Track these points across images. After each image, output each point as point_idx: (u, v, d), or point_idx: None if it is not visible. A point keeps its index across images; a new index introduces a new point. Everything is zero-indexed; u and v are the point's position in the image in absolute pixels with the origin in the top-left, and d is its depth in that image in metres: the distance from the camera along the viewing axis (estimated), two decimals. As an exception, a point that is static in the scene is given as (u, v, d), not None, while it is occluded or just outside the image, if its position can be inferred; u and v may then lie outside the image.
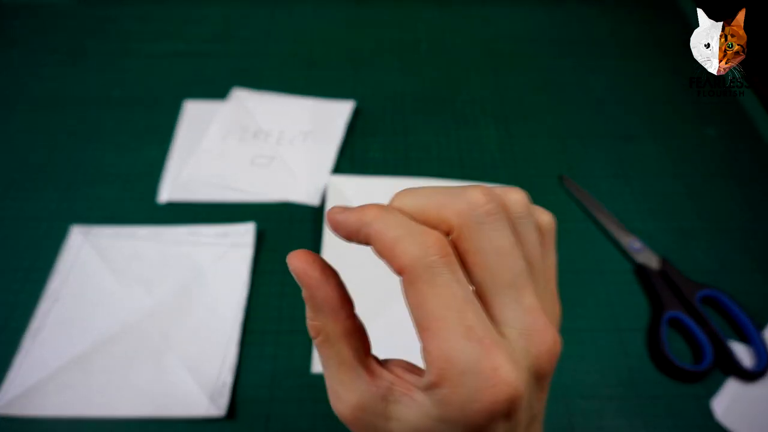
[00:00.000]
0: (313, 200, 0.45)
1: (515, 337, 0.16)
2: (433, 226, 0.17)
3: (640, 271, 0.42)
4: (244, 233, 0.43)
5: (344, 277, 0.44)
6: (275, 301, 0.40)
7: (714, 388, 0.36)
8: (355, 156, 0.49)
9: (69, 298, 0.39)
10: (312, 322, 0.18)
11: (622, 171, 0.49)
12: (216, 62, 0.57)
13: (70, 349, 0.37)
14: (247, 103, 0.52)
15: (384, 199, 0.20)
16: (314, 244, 0.43)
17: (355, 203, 0.44)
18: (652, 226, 0.45)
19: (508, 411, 0.15)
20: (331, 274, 0.19)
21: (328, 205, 0.44)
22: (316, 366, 0.37)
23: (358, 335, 0.19)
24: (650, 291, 0.41)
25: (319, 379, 0.36)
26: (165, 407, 0.35)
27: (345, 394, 0.18)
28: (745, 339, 0.38)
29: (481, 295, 0.17)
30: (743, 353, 0.37)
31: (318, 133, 0.50)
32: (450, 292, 0.15)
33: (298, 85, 0.55)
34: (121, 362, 0.36)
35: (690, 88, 0.55)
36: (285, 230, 0.44)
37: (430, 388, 0.16)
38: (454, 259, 0.16)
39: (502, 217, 0.17)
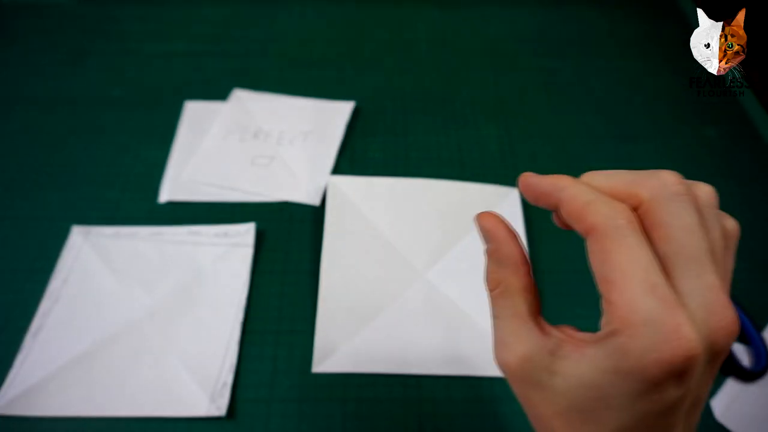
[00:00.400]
0: (313, 200, 0.46)
1: (695, 308, 0.16)
2: (622, 200, 0.18)
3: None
4: (245, 233, 0.43)
5: (344, 277, 0.44)
6: (275, 301, 0.40)
7: (713, 388, 0.36)
8: (355, 156, 0.49)
9: (69, 298, 0.39)
10: (493, 275, 0.20)
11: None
12: (216, 62, 0.57)
13: (71, 349, 0.37)
14: (247, 104, 0.52)
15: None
16: (314, 245, 0.43)
17: (355, 203, 0.44)
18: (652, 226, 0.45)
19: (683, 370, 0.16)
20: (515, 235, 0.20)
21: (328, 205, 0.44)
22: (316, 366, 0.37)
23: (534, 293, 0.20)
24: (650, 291, 0.41)
25: (320, 379, 0.36)
26: (165, 407, 0.35)
27: (514, 344, 0.19)
28: (744, 339, 0.38)
29: (664, 268, 0.17)
30: (742, 353, 0.37)
31: (318, 133, 0.50)
32: (636, 251, 0.16)
33: (298, 86, 0.55)
34: (122, 362, 0.36)
35: (690, 88, 0.55)
36: (285, 230, 0.44)
37: (607, 337, 0.17)
38: (640, 227, 0.17)
39: (690, 199, 0.18)
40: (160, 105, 0.53)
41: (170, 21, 0.61)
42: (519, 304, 0.19)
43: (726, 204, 0.51)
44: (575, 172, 0.55)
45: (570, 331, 0.19)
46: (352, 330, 0.38)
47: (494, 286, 0.20)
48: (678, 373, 0.16)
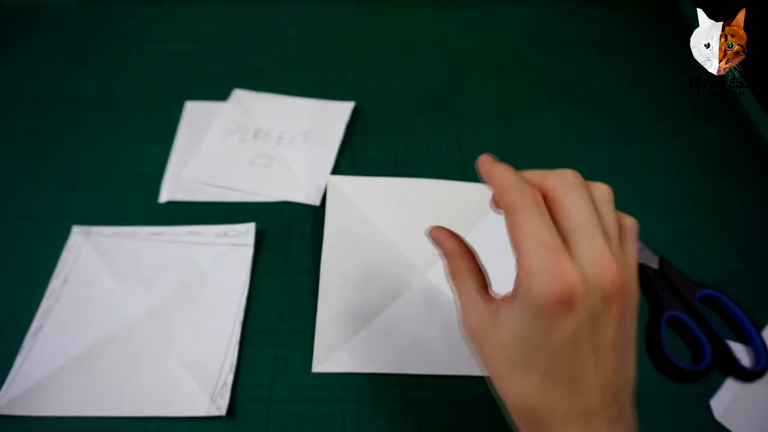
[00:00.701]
0: (313, 200, 0.46)
1: (584, 262, 0.21)
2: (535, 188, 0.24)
3: (640, 270, 0.42)
4: (245, 233, 0.43)
5: (344, 277, 0.44)
6: (275, 301, 0.40)
7: (713, 388, 0.36)
8: (355, 156, 0.49)
9: (70, 298, 0.39)
10: (450, 267, 0.27)
11: (622, 171, 0.49)
12: (216, 62, 0.57)
13: (71, 349, 0.37)
14: (247, 104, 0.52)
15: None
16: (314, 244, 0.43)
17: (355, 203, 0.45)
18: (652, 226, 0.45)
19: (569, 300, 0.20)
20: (457, 236, 0.28)
21: (328, 205, 0.44)
22: (316, 366, 0.37)
23: (479, 274, 0.26)
24: (650, 291, 0.41)
25: (320, 378, 0.36)
26: (165, 407, 0.35)
27: (471, 313, 0.25)
28: (744, 339, 0.38)
29: (564, 239, 0.22)
30: (742, 353, 0.37)
31: (318, 134, 0.50)
32: (536, 220, 0.22)
33: (298, 86, 0.55)
34: (122, 362, 0.36)
35: (690, 88, 0.55)
36: (285, 230, 0.44)
37: (518, 289, 0.22)
38: (543, 205, 0.23)
39: (584, 190, 0.23)
40: (160, 105, 0.53)
41: (170, 21, 0.61)
42: (469, 283, 0.25)
43: (726, 204, 0.51)
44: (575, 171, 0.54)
45: (507, 296, 0.24)
46: (352, 330, 0.38)
47: (453, 275, 0.26)
48: (566, 302, 0.20)
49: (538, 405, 0.22)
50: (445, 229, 0.28)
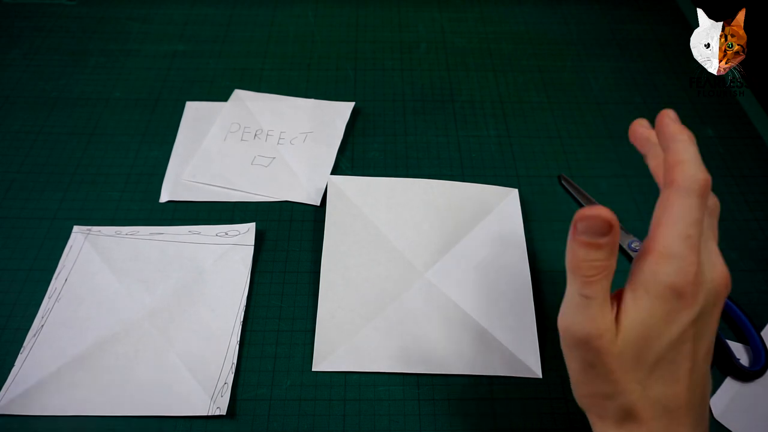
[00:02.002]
0: (313, 200, 0.46)
1: (706, 268, 0.22)
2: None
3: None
4: (245, 233, 0.43)
5: (344, 277, 0.44)
6: (275, 301, 0.40)
7: (712, 387, 0.36)
8: (355, 156, 0.49)
9: (70, 298, 0.39)
10: (602, 262, 0.22)
11: (621, 171, 0.49)
12: (216, 62, 0.57)
13: (72, 349, 0.37)
14: (247, 104, 0.52)
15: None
16: (314, 244, 0.43)
17: (355, 203, 0.45)
18: (652, 226, 0.45)
19: (689, 296, 0.21)
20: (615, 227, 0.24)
21: (328, 205, 0.44)
22: (316, 365, 0.37)
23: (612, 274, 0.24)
24: (650, 291, 0.41)
25: (320, 378, 0.37)
26: (166, 406, 0.35)
27: (601, 319, 0.23)
28: (743, 339, 0.38)
29: None
30: (741, 352, 0.37)
31: (318, 134, 0.50)
32: (693, 211, 0.21)
33: (298, 86, 0.55)
34: (123, 361, 0.36)
35: (690, 88, 0.56)
36: (285, 230, 0.44)
37: (642, 270, 0.22)
38: (707, 198, 0.22)
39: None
40: (160, 105, 0.53)
41: (170, 21, 0.61)
42: (608, 285, 0.23)
43: (726, 203, 0.51)
44: (575, 171, 0.55)
45: (618, 290, 0.23)
46: (352, 329, 0.38)
47: (599, 271, 0.22)
48: (685, 295, 0.21)
49: (636, 400, 0.22)
50: (609, 212, 0.22)
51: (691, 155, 0.22)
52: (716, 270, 0.23)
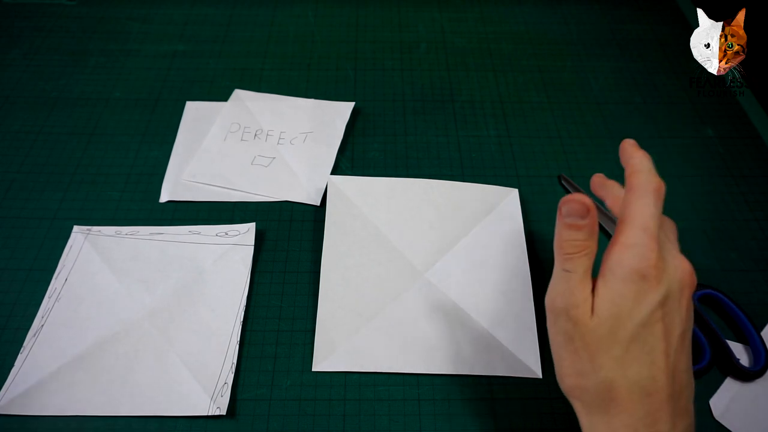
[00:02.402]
0: (313, 200, 0.46)
1: (668, 259, 0.25)
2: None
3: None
4: (245, 233, 0.43)
5: (344, 277, 0.44)
6: (275, 301, 0.40)
7: (712, 387, 0.36)
8: (355, 156, 0.49)
9: (70, 298, 0.39)
10: (582, 242, 0.26)
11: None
12: (216, 62, 0.57)
13: (72, 349, 0.37)
14: (247, 104, 0.52)
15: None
16: (314, 244, 0.43)
17: (355, 203, 0.45)
18: (652, 226, 0.45)
19: (652, 278, 0.24)
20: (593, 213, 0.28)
21: (328, 205, 0.44)
22: (317, 365, 0.37)
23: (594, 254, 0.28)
24: (649, 291, 0.41)
25: (320, 378, 0.37)
26: (166, 406, 0.35)
27: (578, 293, 0.26)
28: (743, 339, 0.38)
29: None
30: (741, 353, 0.37)
31: (318, 134, 0.50)
32: (648, 206, 0.25)
33: (298, 86, 0.55)
34: (122, 361, 0.36)
35: (690, 88, 0.56)
36: (285, 230, 0.44)
37: (609, 261, 0.25)
38: (661, 198, 0.26)
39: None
40: (160, 105, 0.53)
41: (170, 21, 0.61)
42: (588, 262, 0.26)
43: (725, 203, 0.51)
44: (575, 171, 0.55)
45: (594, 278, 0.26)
46: (352, 329, 0.38)
47: (579, 249, 0.26)
48: (648, 277, 0.24)
49: (614, 378, 0.24)
50: (586, 198, 0.26)
51: (645, 166, 0.27)
52: (679, 262, 0.26)
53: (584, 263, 0.26)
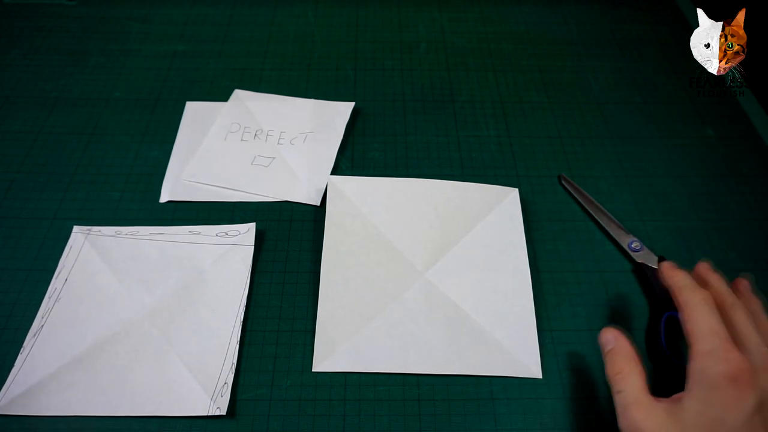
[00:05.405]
0: (313, 200, 0.46)
1: (754, 355, 0.26)
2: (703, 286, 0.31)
3: (640, 270, 0.42)
4: (245, 233, 0.43)
5: (344, 277, 0.44)
6: (275, 301, 0.40)
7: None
8: (355, 156, 0.49)
9: (70, 298, 0.39)
10: (614, 366, 0.29)
11: (621, 171, 0.49)
12: (216, 62, 0.57)
13: (72, 349, 0.37)
14: (247, 104, 0.52)
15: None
16: (314, 244, 0.43)
17: (355, 203, 0.45)
18: (652, 226, 0.45)
19: (740, 380, 0.24)
20: (624, 337, 0.31)
21: (328, 205, 0.44)
22: (317, 365, 0.37)
23: (644, 373, 0.29)
24: (649, 291, 0.41)
25: (320, 378, 0.37)
26: (166, 406, 0.35)
27: (637, 410, 0.27)
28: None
29: (736, 337, 0.27)
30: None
31: (318, 134, 0.50)
32: (705, 314, 0.27)
33: (298, 86, 0.55)
34: (123, 362, 0.36)
35: (690, 88, 0.56)
36: (285, 230, 0.44)
37: (692, 374, 0.25)
38: (713, 304, 0.28)
39: (743, 307, 0.30)
40: (160, 105, 0.53)
41: (170, 21, 0.61)
42: (637, 381, 0.27)
43: (726, 204, 0.51)
44: (575, 171, 0.55)
45: (676, 395, 0.27)
46: (352, 329, 0.38)
47: (617, 371, 0.29)
48: (736, 380, 0.24)
49: None
50: (613, 329, 0.31)
51: (687, 283, 0.30)
52: (764, 356, 0.25)
53: (634, 382, 0.27)
